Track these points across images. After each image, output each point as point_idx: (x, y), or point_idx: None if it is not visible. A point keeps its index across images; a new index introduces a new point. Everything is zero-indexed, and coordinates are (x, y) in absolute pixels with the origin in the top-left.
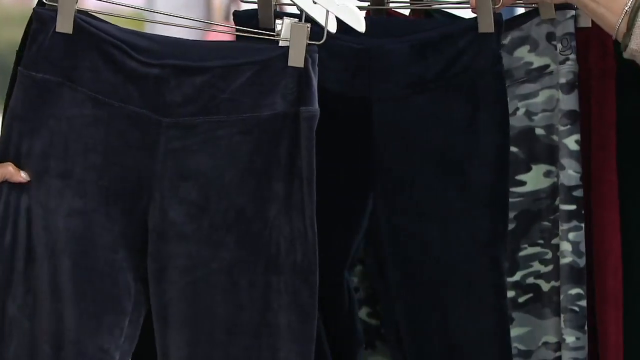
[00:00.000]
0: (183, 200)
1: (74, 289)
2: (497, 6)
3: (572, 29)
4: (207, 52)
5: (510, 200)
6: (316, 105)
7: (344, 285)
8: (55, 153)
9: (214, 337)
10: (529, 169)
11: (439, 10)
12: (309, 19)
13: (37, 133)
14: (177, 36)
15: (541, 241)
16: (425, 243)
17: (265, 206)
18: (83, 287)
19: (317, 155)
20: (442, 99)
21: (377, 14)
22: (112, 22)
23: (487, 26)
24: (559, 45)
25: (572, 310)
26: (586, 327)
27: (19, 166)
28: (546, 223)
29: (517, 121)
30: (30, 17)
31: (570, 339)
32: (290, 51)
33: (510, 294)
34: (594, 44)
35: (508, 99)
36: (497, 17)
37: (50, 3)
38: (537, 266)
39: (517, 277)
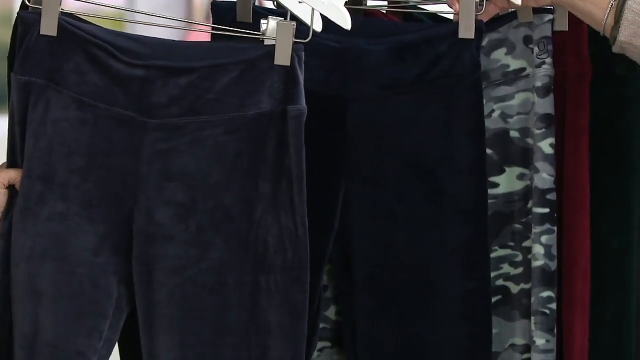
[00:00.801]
0: (169, 202)
1: (53, 292)
2: (480, 13)
3: (549, 33)
4: (192, 52)
5: None
6: (303, 103)
7: (318, 286)
8: (39, 156)
9: (203, 337)
10: (502, 171)
11: (424, 14)
12: (293, 18)
13: (26, 136)
14: (159, 36)
15: (512, 243)
16: (392, 246)
17: (252, 205)
18: (62, 291)
19: None
20: (419, 103)
21: (354, 14)
22: (93, 23)
23: (467, 32)
24: (536, 49)
25: (543, 313)
26: (555, 330)
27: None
28: (517, 225)
29: (492, 123)
30: (16, 21)
31: (540, 341)
32: (277, 50)
33: None
34: (569, 48)
35: (484, 100)
36: (478, 23)
37: (34, 5)
38: (506, 268)
39: None
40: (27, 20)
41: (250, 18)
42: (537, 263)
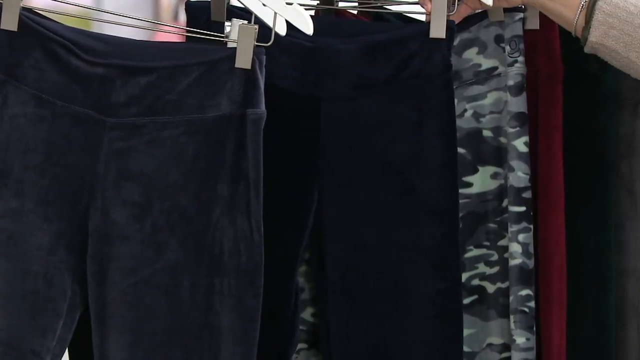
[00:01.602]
0: (126, 201)
1: (7, 290)
2: (452, 13)
3: (520, 32)
4: (154, 52)
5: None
6: (263, 107)
7: (293, 286)
8: None
9: (155, 338)
10: (475, 171)
11: (394, 14)
12: (260, 21)
13: None
14: (125, 36)
15: (487, 243)
16: (364, 246)
17: (209, 207)
18: (16, 289)
19: (265, 153)
20: (390, 103)
21: (326, 13)
22: (60, 21)
23: (439, 32)
24: (507, 48)
25: (522, 312)
26: (535, 328)
27: None
28: (492, 225)
29: (465, 123)
30: None
31: (520, 339)
32: (238, 52)
33: None
34: (541, 47)
35: (456, 100)
36: (450, 23)
37: None
38: (482, 268)
39: (462, 278)
40: None
41: (225, 17)
42: (514, 262)
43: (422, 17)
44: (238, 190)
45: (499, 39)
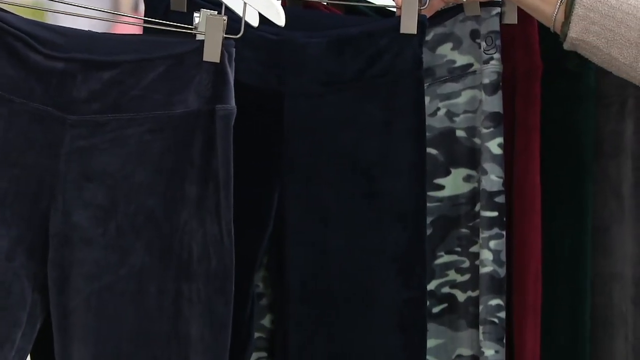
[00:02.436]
0: (88, 203)
1: None
2: (424, 7)
3: (497, 27)
4: (117, 45)
5: (428, 205)
6: (233, 103)
7: (250, 291)
8: None
9: (121, 348)
10: (448, 173)
11: (368, 7)
12: (230, 12)
13: None
14: (83, 28)
15: (458, 249)
16: (326, 251)
17: (176, 209)
18: None
19: None
20: (358, 101)
21: (293, 5)
22: (11, 12)
23: (409, 27)
24: (483, 44)
25: (492, 322)
26: (504, 340)
27: None
28: (464, 230)
29: (438, 122)
30: None
31: (489, 352)
32: (206, 45)
33: None
34: (519, 43)
35: (429, 98)
36: (421, 18)
37: None
38: (453, 275)
39: (431, 286)
40: None
41: (185, 7)
42: (485, 269)
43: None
44: (207, 190)
45: (474, 35)
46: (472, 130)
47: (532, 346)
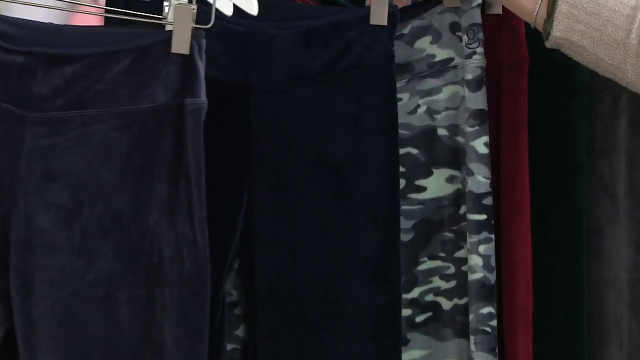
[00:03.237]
0: (51, 205)
1: None
2: None
3: (478, 20)
4: (79, 38)
5: (409, 207)
6: (203, 97)
7: (220, 298)
8: None
9: (89, 358)
10: (430, 174)
11: None
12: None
13: None
14: (38, 19)
15: (442, 254)
16: (296, 254)
17: (145, 210)
18: None
19: None
20: (327, 96)
21: None
22: None
23: (379, 18)
24: (465, 37)
25: (484, 332)
26: (497, 349)
27: None
28: (448, 234)
29: (418, 120)
30: None
31: None
32: (174, 36)
33: (407, 312)
34: (504, 35)
35: (408, 95)
36: (393, 9)
37: None
38: (437, 282)
39: (414, 293)
40: None
41: None
42: (475, 276)
43: None
44: (178, 189)
45: (454, 27)
46: (454, 129)
47: (524, 354)
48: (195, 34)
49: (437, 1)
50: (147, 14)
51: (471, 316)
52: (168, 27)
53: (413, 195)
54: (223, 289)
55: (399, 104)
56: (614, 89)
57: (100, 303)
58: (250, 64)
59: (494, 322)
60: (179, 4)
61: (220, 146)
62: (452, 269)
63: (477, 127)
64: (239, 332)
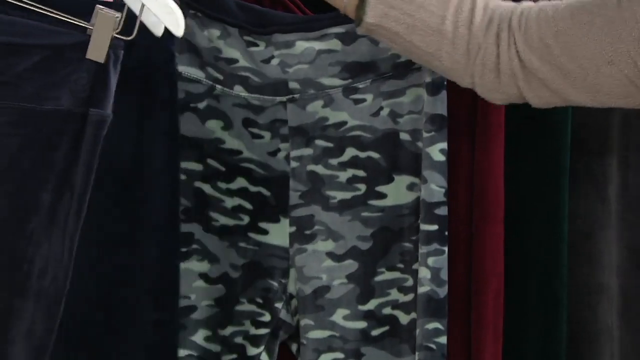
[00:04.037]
0: None
1: None
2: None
3: None
4: None
5: (369, 214)
6: (109, 110)
7: None
8: None
9: None
10: (390, 180)
11: None
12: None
13: None
14: None
15: (401, 265)
16: (84, 271)
17: (25, 216)
18: None
19: None
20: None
21: None
22: None
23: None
24: None
25: (428, 348)
26: None
27: None
28: (407, 244)
29: (380, 123)
30: None
31: None
32: (91, 42)
33: (362, 325)
34: None
35: (372, 96)
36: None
37: None
38: (395, 294)
39: (371, 305)
40: None
41: None
42: (422, 289)
43: None
44: (62, 200)
45: None
46: (416, 134)
47: None
48: (114, 44)
49: None
50: (67, 16)
51: (417, 331)
52: (88, 31)
53: (373, 202)
54: None
55: (363, 105)
56: None
57: None
58: None
59: (442, 339)
60: (103, 10)
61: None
62: (410, 281)
63: (433, 133)
64: (196, 337)
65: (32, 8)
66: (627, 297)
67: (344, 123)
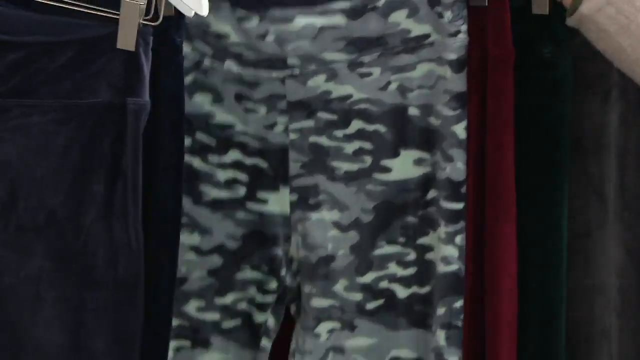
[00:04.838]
0: None
1: None
2: None
3: None
4: (23, 25)
5: (372, 187)
6: (146, 97)
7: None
8: None
9: (17, 358)
10: (396, 154)
11: None
12: None
13: None
14: None
15: (403, 239)
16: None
17: (81, 210)
18: None
19: None
20: None
21: None
22: None
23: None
24: (448, 14)
25: (456, 327)
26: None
27: None
28: (412, 219)
29: (389, 97)
30: None
31: (453, 358)
32: (120, 31)
33: (358, 297)
34: (489, 27)
35: (379, 70)
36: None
37: None
38: (393, 268)
39: (367, 278)
40: None
41: None
42: (450, 268)
43: None
44: (115, 191)
45: (433, 2)
46: (427, 109)
47: None
48: (142, 30)
49: None
50: (96, 7)
51: (442, 309)
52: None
53: (377, 176)
54: None
55: (369, 79)
56: (603, 85)
57: (30, 302)
58: None
59: (462, 316)
60: None
61: None
62: (412, 256)
63: (459, 111)
64: (187, 307)
65: (59, 5)
66: (625, 297)
67: (349, 96)
